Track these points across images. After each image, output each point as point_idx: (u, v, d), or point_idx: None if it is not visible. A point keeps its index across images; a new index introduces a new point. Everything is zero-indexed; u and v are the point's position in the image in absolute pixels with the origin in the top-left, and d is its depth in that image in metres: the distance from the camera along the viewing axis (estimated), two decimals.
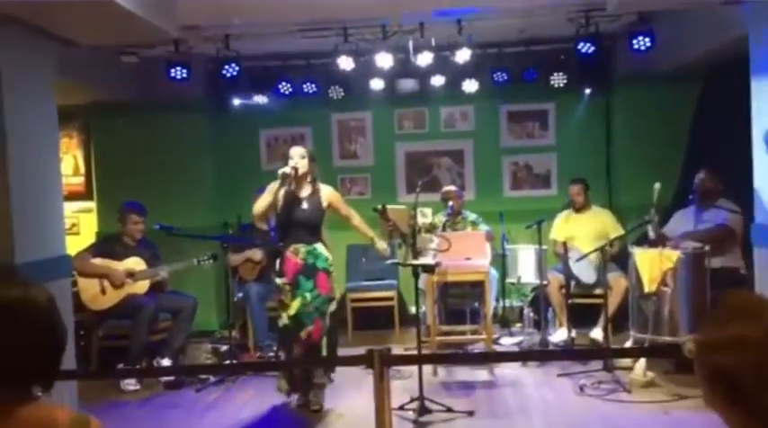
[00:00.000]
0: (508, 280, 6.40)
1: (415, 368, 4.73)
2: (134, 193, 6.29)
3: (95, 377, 5.60)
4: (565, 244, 5.94)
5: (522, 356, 5.45)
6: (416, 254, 4.73)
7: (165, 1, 4.43)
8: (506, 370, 5.43)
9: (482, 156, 7.61)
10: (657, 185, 5.18)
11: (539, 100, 7.43)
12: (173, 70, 6.02)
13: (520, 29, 6.22)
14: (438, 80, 6.74)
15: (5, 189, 4.08)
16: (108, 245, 5.84)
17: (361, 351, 3.15)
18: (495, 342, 6.13)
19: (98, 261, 5.66)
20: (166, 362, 5.57)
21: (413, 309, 6.39)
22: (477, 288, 5.85)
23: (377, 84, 6.78)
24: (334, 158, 7.71)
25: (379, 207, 4.76)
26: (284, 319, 4.58)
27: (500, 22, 5.94)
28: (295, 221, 4.58)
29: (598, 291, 5.86)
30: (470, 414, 4.51)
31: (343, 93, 6.97)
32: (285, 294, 4.56)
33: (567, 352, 5.62)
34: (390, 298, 6.88)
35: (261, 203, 4.59)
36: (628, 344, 5.26)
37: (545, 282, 5.99)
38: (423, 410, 4.45)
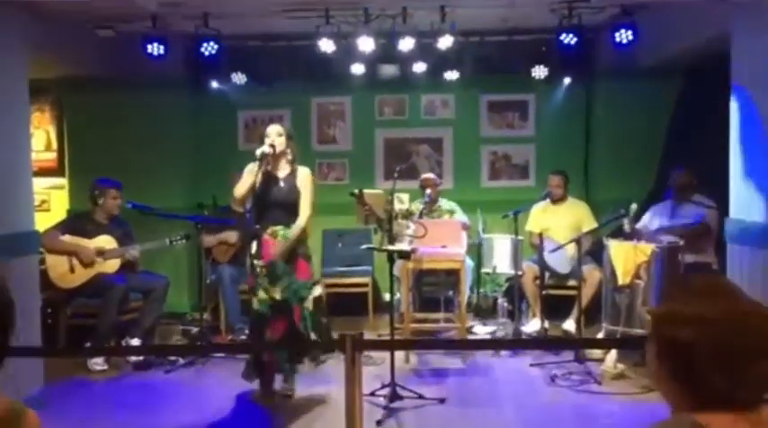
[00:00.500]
0: (483, 270, 6.39)
1: (387, 354, 4.70)
2: (107, 171, 6.16)
3: (62, 355, 5.51)
4: (541, 235, 5.95)
5: (495, 344, 5.46)
6: (392, 240, 4.70)
7: None
8: (479, 359, 5.44)
9: (461, 145, 7.59)
10: (634, 206, 5.22)
11: (519, 90, 7.43)
12: (150, 46, 5.89)
13: (503, 18, 6.19)
14: (419, 67, 6.69)
15: None
16: (78, 222, 5.73)
17: (333, 336, 3.12)
18: (469, 330, 6.14)
19: (68, 238, 5.55)
20: (136, 343, 5.48)
21: (387, 296, 6.37)
22: (452, 276, 5.85)
23: (358, 68, 6.71)
24: (313, 142, 7.64)
25: (356, 191, 4.72)
26: (256, 304, 4.48)
27: (483, 11, 5.91)
28: (272, 202, 4.47)
29: (572, 283, 5.89)
30: (441, 401, 4.50)
31: (323, 77, 6.89)
32: (261, 277, 4.47)
33: (540, 342, 5.65)
34: (365, 285, 6.85)
35: (242, 185, 4.44)
36: (600, 336, 5.29)
37: (520, 273, 6.00)
38: (394, 396, 4.44)
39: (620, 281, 4.91)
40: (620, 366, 4.94)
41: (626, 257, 4.90)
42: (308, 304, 4.51)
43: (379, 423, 4.18)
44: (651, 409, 4.29)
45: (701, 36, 5.41)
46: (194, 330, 6.08)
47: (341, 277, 6.90)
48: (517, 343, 5.59)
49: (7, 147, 4.29)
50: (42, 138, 7.38)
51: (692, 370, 1.22)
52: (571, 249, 5.70)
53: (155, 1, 5.01)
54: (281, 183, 4.50)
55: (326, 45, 5.92)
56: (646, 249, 4.88)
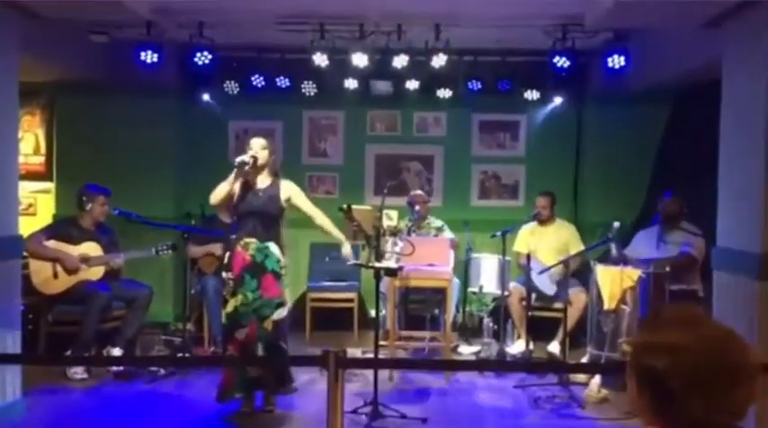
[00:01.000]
0: (470, 289, 6.38)
1: (370, 371, 4.67)
2: (95, 177, 6.12)
3: (41, 362, 5.42)
4: (528, 256, 5.94)
5: (479, 365, 5.43)
6: (379, 257, 4.68)
7: None
8: (462, 379, 5.42)
9: (452, 163, 7.60)
10: (616, 224, 5.23)
11: (511, 111, 7.45)
12: (143, 53, 5.86)
13: (496, 38, 6.22)
14: (413, 84, 6.71)
15: None
16: (63, 227, 5.67)
17: (317, 351, 3.09)
18: (454, 350, 6.11)
19: (52, 243, 5.49)
20: (117, 352, 5.42)
21: (373, 312, 6.34)
22: (438, 294, 5.83)
23: (351, 83, 6.72)
24: (304, 156, 7.63)
25: (345, 206, 4.69)
26: (223, 317, 4.45)
27: (477, 31, 5.93)
28: (250, 211, 4.41)
29: (558, 305, 5.88)
30: (424, 421, 4.46)
31: (316, 91, 6.90)
32: (227, 289, 4.41)
33: (524, 365, 5.62)
34: (351, 300, 6.82)
35: (218, 192, 4.40)
36: (584, 360, 5.28)
37: (506, 293, 5.99)
38: (376, 415, 4.40)
39: (606, 306, 4.91)
40: (604, 391, 4.92)
41: (612, 282, 4.91)
42: (267, 324, 4.39)
43: None
44: None
45: (693, 62, 5.45)
46: (177, 340, 6.01)
47: (327, 291, 6.86)
48: (501, 366, 5.56)
49: None
50: (31, 141, 7.32)
51: (670, 398, 1.22)
52: (558, 271, 5.70)
53: (147, 7, 4.99)
54: (260, 193, 4.46)
55: (320, 59, 5.92)
56: (632, 274, 4.88)
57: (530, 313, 5.84)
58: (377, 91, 7.00)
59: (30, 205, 7.20)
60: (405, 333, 6.07)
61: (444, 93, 6.86)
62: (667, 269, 5.00)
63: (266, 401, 4.57)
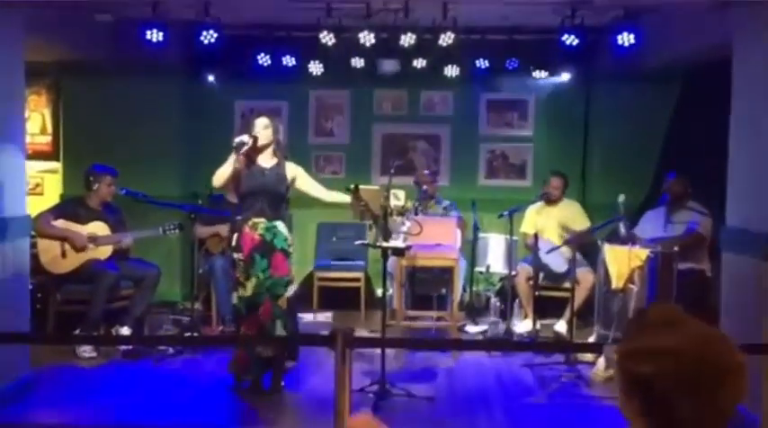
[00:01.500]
0: (477, 269, 6.38)
1: (377, 351, 4.68)
2: (102, 156, 6.12)
3: (50, 341, 5.47)
4: (536, 235, 5.93)
5: (486, 345, 5.45)
6: (387, 237, 4.67)
7: None
8: (469, 358, 5.43)
9: (459, 143, 7.56)
10: (621, 197, 5.20)
11: (519, 90, 7.39)
12: (149, 32, 5.82)
13: (504, 16, 6.15)
14: (420, 63, 6.65)
15: None
16: (71, 207, 5.68)
17: (325, 330, 3.10)
18: (461, 329, 6.13)
19: (60, 223, 5.50)
20: (125, 331, 5.45)
21: (379, 292, 6.35)
22: (445, 274, 5.82)
23: (357, 62, 6.67)
24: (310, 135, 7.60)
25: (352, 187, 4.68)
26: (235, 299, 4.46)
27: (485, 8, 5.87)
28: (257, 190, 4.41)
29: (566, 285, 5.88)
30: (430, 399, 4.49)
31: (322, 70, 6.86)
32: (240, 271, 4.42)
33: (531, 344, 5.63)
34: (357, 280, 6.83)
35: (220, 174, 4.38)
36: (591, 339, 5.28)
37: (513, 273, 5.98)
38: (383, 394, 4.42)
39: (614, 285, 4.90)
40: (611, 370, 4.92)
41: (621, 261, 4.89)
42: (282, 303, 4.44)
43: None
44: None
45: (703, 41, 5.39)
46: (185, 320, 6.04)
47: (334, 271, 6.88)
48: (508, 345, 5.57)
49: (1, 130, 4.25)
50: (38, 121, 7.32)
51: (658, 402, 1.23)
52: (566, 248, 5.69)
53: None
54: (266, 172, 4.45)
55: (327, 38, 5.87)
56: (641, 254, 4.86)
57: (537, 292, 5.84)
58: (383, 70, 6.95)
59: (37, 185, 7.21)
60: (412, 312, 6.08)
61: (451, 72, 6.80)
62: (675, 249, 4.98)
63: (275, 380, 4.59)
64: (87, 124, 7.05)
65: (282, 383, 4.61)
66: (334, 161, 7.62)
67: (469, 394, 4.74)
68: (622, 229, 5.22)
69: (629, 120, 7.02)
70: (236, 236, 4.49)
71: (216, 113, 7.45)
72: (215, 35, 5.92)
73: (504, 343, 5.69)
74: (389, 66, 6.91)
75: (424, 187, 6.42)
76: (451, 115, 7.56)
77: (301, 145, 7.38)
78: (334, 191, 4.70)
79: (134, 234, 5.72)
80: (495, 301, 6.33)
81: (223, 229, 6.16)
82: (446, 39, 5.89)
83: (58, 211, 5.61)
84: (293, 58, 6.68)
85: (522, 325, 6.10)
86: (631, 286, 4.88)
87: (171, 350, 5.35)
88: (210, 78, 7.16)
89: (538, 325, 5.82)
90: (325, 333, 3.13)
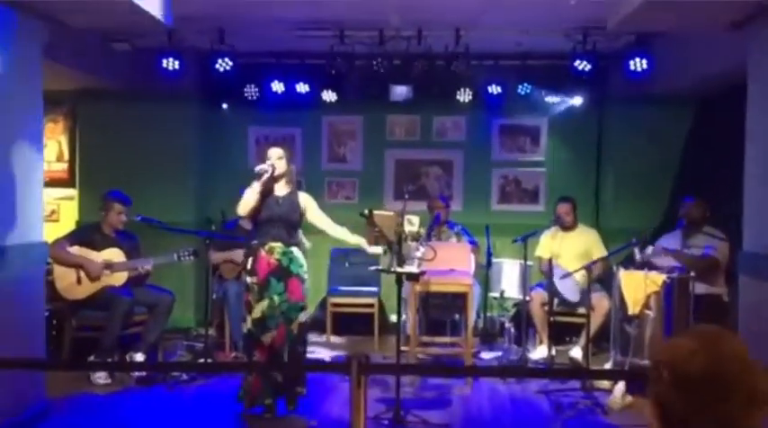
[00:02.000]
0: (491, 294, 6.35)
1: (390, 376, 4.65)
2: (117, 183, 6.18)
3: (65, 368, 5.47)
4: (550, 261, 5.90)
5: (501, 371, 5.40)
6: (401, 262, 4.67)
7: None
8: (484, 384, 5.38)
9: (472, 168, 7.57)
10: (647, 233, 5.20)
11: (532, 115, 7.40)
12: (165, 61, 5.93)
13: (516, 42, 6.19)
14: (432, 89, 6.69)
15: None
16: (86, 233, 5.72)
17: (339, 356, 3.08)
18: (475, 355, 6.08)
19: (75, 249, 5.53)
20: (140, 357, 5.45)
21: (393, 317, 6.33)
22: (459, 299, 5.80)
23: (370, 88, 6.72)
24: (323, 161, 7.64)
25: (366, 212, 4.69)
26: (248, 323, 4.45)
27: (497, 34, 5.91)
28: (273, 218, 4.48)
29: (580, 311, 5.83)
30: (446, 427, 4.44)
31: (335, 96, 6.92)
32: (253, 294, 4.43)
33: (546, 371, 5.58)
34: (371, 305, 6.81)
35: (246, 201, 4.45)
36: (607, 366, 5.23)
37: (528, 298, 5.95)
38: (398, 421, 4.38)
39: (630, 311, 4.86)
40: (629, 398, 4.86)
41: (636, 287, 4.85)
42: (294, 327, 4.45)
43: None
44: None
45: (717, 66, 5.40)
46: (199, 346, 6.04)
47: (347, 296, 6.86)
48: (523, 372, 5.52)
49: (20, 157, 4.30)
50: (54, 148, 7.41)
51: (679, 424, 1.25)
52: (580, 277, 5.66)
53: (171, 16, 5.03)
54: (281, 201, 4.52)
55: (340, 65, 5.93)
56: (657, 279, 4.83)
57: (551, 318, 5.80)
58: (396, 96, 6.99)
59: (53, 211, 7.28)
60: (425, 338, 6.05)
61: (464, 97, 6.83)
62: (692, 273, 4.94)
63: (289, 404, 4.57)
64: (103, 151, 7.13)
65: (295, 408, 4.58)
66: (347, 186, 7.65)
67: (485, 421, 4.69)
68: (637, 255, 5.18)
69: (643, 144, 7.01)
70: (250, 260, 4.50)
71: (230, 140, 7.51)
72: (229, 63, 6.01)
73: (519, 370, 5.64)
74: (402, 92, 6.95)
75: (437, 212, 6.42)
76: (464, 140, 7.58)
77: (314, 170, 7.43)
78: (341, 228, 4.68)
79: (150, 260, 5.74)
80: (509, 327, 6.29)
81: (236, 255, 6.17)
82: (458, 65, 5.93)
83: (73, 238, 5.64)
84: (306, 85, 6.75)
85: (537, 352, 6.05)
86: (647, 312, 4.84)
87: (185, 376, 5.34)
88: (225, 105, 7.24)
89: (553, 351, 5.76)
90: (340, 358, 3.11)
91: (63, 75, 6.03)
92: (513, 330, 6.28)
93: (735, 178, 4.61)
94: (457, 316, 6.11)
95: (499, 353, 6.24)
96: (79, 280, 5.47)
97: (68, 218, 7.30)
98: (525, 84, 6.73)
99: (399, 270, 4.61)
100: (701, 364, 1.23)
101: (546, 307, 5.90)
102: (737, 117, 4.56)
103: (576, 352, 5.88)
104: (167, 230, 5.86)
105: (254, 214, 4.52)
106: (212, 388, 5.19)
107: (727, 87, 5.50)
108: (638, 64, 5.75)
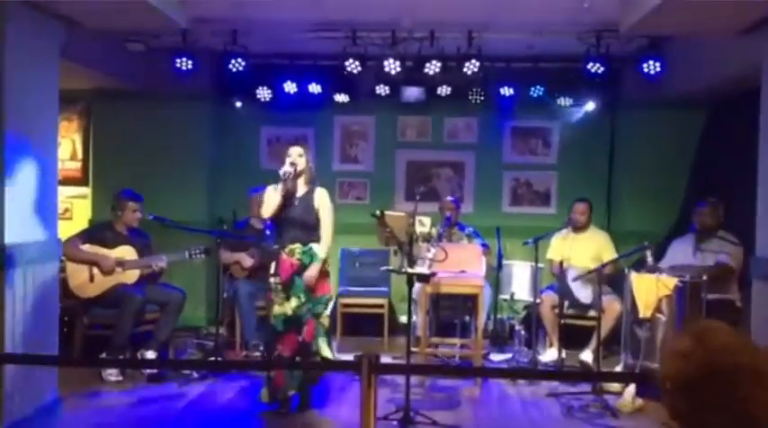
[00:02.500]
0: (501, 296, 6.35)
1: (400, 377, 4.66)
2: (130, 182, 6.23)
3: (77, 364, 5.52)
4: (561, 263, 5.88)
5: (511, 374, 5.39)
6: (412, 263, 4.68)
7: None
8: (494, 386, 5.38)
9: (483, 170, 7.56)
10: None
11: (543, 117, 7.39)
12: (178, 61, 5.97)
13: (529, 44, 6.19)
14: (444, 90, 6.69)
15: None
16: (99, 231, 5.76)
17: (349, 356, 3.10)
18: (485, 357, 6.08)
19: (88, 247, 5.58)
20: (151, 355, 5.49)
21: (403, 318, 6.33)
22: (469, 301, 5.80)
23: (382, 89, 6.74)
24: (335, 161, 7.66)
25: (378, 212, 4.70)
26: (271, 318, 4.54)
27: (509, 37, 5.91)
28: (289, 220, 4.55)
29: (591, 313, 5.81)
30: None
31: (347, 97, 6.93)
32: (277, 293, 4.51)
33: (556, 373, 5.57)
34: (381, 306, 6.82)
35: (270, 204, 4.51)
36: (618, 369, 5.21)
37: (538, 301, 5.94)
38: (407, 421, 4.39)
39: (642, 314, 4.84)
40: (639, 401, 4.84)
41: (648, 290, 4.84)
42: (324, 320, 4.57)
43: None
44: None
45: (730, 69, 5.37)
46: (209, 344, 6.07)
47: (357, 297, 6.87)
48: (533, 374, 5.51)
49: (35, 155, 4.34)
50: (68, 147, 7.46)
51: (683, 413, 1.29)
52: (592, 279, 5.64)
53: (183, 16, 5.07)
54: (296, 202, 4.56)
55: (352, 66, 5.94)
56: (669, 283, 4.81)
57: (562, 321, 5.79)
58: (408, 97, 7.01)
59: (66, 210, 7.33)
60: (435, 339, 6.05)
61: (476, 99, 6.84)
62: (704, 277, 4.91)
63: (303, 401, 4.63)
64: (117, 150, 7.18)
65: (308, 405, 4.64)
66: (358, 187, 7.66)
67: (494, 423, 4.68)
68: (649, 259, 5.16)
69: (655, 147, 6.99)
70: (273, 264, 4.59)
71: (242, 140, 7.54)
72: (243, 63, 6.04)
73: (530, 372, 5.63)
74: (414, 93, 6.97)
75: (448, 214, 6.42)
76: (476, 142, 7.57)
77: (326, 171, 7.43)
78: (327, 235, 4.57)
79: (163, 257, 5.78)
80: (519, 329, 6.28)
81: (245, 260, 6.22)
82: (471, 67, 5.93)
83: (86, 236, 5.69)
84: (319, 86, 6.76)
85: (548, 354, 6.03)
86: (659, 315, 4.82)
87: (195, 374, 5.38)
88: (238, 105, 7.27)
89: (563, 354, 5.75)
90: (350, 357, 3.12)
91: (78, 74, 6.08)
92: (523, 332, 6.27)
93: (748, 182, 4.59)
94: (467, 318, 6.10)
95: (509, 356, 6.23)
96: (92, 278, 5.51)
97: (81, 217, 7.35)
98: (537, 87, 6.73)
99: (410, 271, 4.62)
100: (696, 365, 1.24)
101: (556, 310, 5.89)
102: (751, 120, 4.54)
103: (587, 356, 5.87)
104: (179, 229, 5.90)
105: (276, 215, 4.57)
106: (222, 387, 5.22)
107: (740, 90, 5.47)
108: (652, 67, 5.72)
